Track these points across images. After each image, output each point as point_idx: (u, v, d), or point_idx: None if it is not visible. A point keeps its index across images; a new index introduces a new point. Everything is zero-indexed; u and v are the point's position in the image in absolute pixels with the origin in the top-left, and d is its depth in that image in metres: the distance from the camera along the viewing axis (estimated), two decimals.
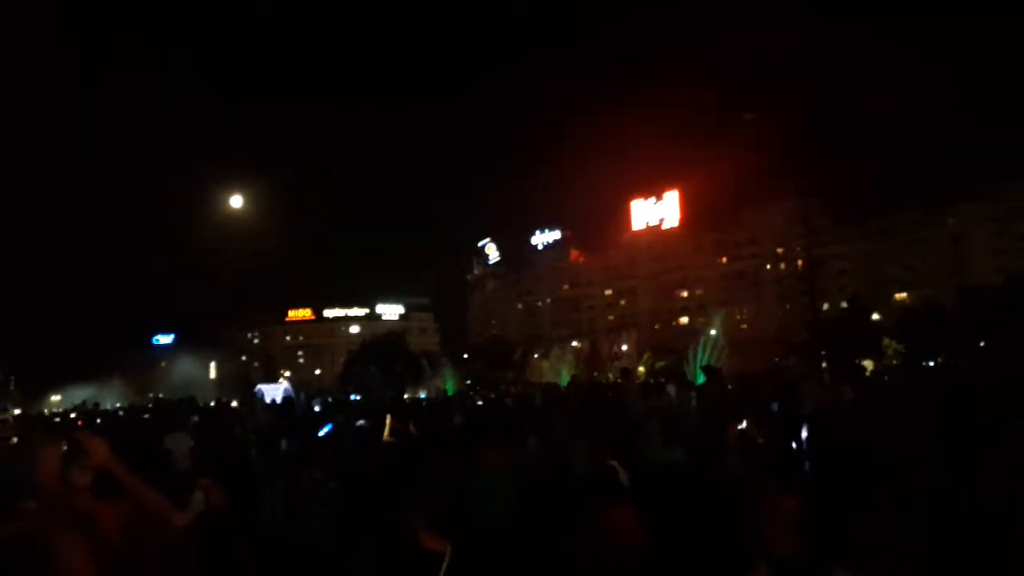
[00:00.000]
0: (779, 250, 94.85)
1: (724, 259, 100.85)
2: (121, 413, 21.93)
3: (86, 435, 3.15)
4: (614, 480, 5.85)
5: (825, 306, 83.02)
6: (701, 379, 17.70)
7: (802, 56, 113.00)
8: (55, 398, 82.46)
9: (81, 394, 52.91)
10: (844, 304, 68.99)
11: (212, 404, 22.57)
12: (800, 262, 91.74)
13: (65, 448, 3.10)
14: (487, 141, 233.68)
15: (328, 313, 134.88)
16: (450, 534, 2.97)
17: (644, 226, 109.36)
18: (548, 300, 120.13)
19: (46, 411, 45.16)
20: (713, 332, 51.22)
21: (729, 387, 12.86)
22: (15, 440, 12.83)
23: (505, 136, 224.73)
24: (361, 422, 13.95)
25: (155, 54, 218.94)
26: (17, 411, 48.91)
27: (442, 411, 15.25)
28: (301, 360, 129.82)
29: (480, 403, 20.12)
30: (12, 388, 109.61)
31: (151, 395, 73.69)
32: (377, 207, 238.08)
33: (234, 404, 24.67)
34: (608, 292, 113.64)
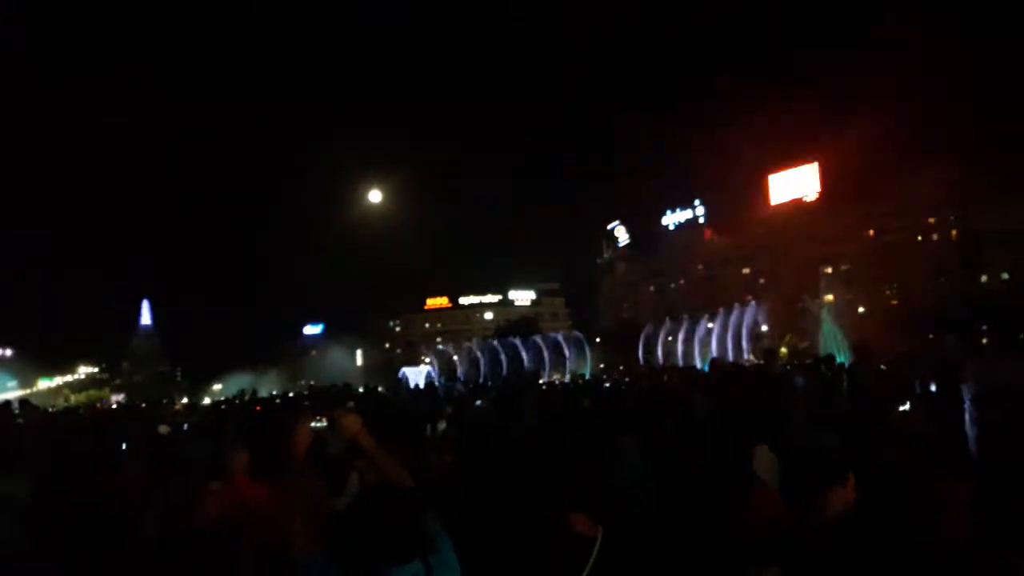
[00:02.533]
0: (931, 220, 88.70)
1: (871, 232, 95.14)
2: (278, 400, 23.31)
3: (341, 412, 3.44)
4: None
5: (984, 278, 77.29)
6: (839, 359, 16.90)
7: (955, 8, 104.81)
8: (216, 387, 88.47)
9: (240, 382, 56.48)
10: (1005, 276, 64.00)
11: (362, 389, 23.71)
12: (955, 232, 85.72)
13: (324, 423, 3.44)
14: (614, 122, 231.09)
15: (463, 300, 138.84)
16: (601, 517, 2.97)
17: (783, 200, 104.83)
18: (681, 281, 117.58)
19: (209, 400, 48.62)
20: (861, 309, 48.88)
21: (882, 367, 12.21)
22: (186, 426, 13.94)
23: (633, 116, 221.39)
24: (478, 403, 14.19)
25: (302, 56, 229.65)
26: (184, 400, 52.98)
27: (571, 395, 15.28)
28: (439, 346, 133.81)
29: (608, 386, 20.02)
30: (179, 379, 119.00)
31: (302, 382, 77.85)
32: (507, 194, 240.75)
33: (380, 389, 25.80)
34: (746, 271, 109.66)
